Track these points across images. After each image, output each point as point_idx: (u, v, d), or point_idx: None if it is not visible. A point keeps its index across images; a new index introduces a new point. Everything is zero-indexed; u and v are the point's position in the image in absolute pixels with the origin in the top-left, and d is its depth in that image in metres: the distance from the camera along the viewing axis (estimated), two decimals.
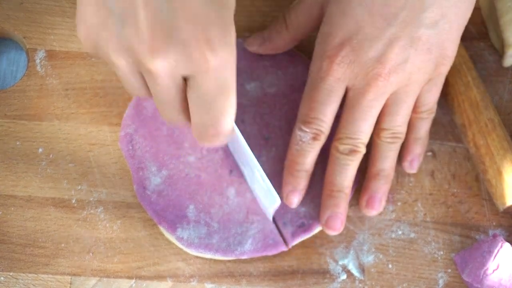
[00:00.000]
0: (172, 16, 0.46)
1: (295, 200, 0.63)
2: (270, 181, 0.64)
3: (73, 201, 0.65)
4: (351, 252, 0.64)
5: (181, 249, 0.64)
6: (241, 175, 0.65)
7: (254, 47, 0.67)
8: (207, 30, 0.46)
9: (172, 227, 0.63)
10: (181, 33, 0.46)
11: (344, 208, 0.62)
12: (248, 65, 0.67)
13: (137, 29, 0.46)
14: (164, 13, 0.46)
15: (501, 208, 0.64)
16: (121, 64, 0.49)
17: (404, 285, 0.64)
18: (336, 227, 0.62)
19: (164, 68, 0.47)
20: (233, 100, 0.51)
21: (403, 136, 0.62)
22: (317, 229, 0.64)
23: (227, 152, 0.65)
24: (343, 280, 0.64)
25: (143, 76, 0.50)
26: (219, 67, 0.48)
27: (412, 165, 0.65)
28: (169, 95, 0.50)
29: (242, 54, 0.67)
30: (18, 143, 0.66)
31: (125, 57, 0.48)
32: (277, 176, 0.65)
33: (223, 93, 0.49)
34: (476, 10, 0.70)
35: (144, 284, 0.63)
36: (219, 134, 0.52)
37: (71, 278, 0.63)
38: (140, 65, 0.48)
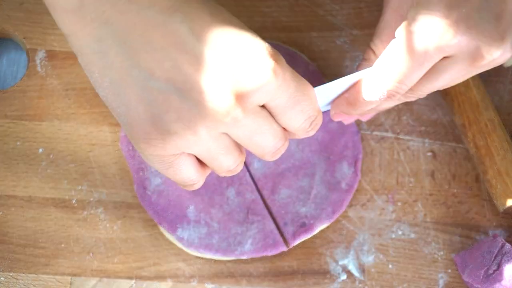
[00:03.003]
0: (226, 59, 0.47)
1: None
2: (270, 180, 0.65)
3: (74, 201, 0.65)
4: (351, 252, 0.64)
5: (181, 249, 0.64)
6: (241, 175, 0.65)
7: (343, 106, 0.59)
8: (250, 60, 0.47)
9: (172, 227, 0.63)
10: (259, 71, 0.47)
11: None
12: None
13: (204, 92, 0.47)
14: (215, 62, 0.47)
15: (501, 209, 0.64)
16: (207, 136, 0.48)
17: (404, 285, 0.64)
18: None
19: (250, 107, 0.48)
20: (307, 83, 0.51)
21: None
22: (317, 229, 0.64)
23: None
24: (343, 280, 0.64)
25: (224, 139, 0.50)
26: (284, 78, 0.48)
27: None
28: (267, 124, 0.50)
29: None
30: (18, 143, 0.66)
31: (209, 127, 0.48)
32: (277, 176, 0.65)
33: (299, 89, 0.50)
34: None
35: (144, 285, 0.63)
36: (320, 113, 0.53)
37: (71, 279, 0.63)
38: (227, 123, 0.48)
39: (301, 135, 0.53)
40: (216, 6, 0.49)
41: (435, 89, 0.54)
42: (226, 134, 0.49)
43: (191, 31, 0.46)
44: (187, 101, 0.46)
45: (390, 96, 0.53)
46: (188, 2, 0.48)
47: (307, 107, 0.51)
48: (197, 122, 0.47)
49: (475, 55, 0.51)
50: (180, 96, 0.47)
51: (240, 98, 0.47)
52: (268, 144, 0.51)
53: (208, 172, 0.52)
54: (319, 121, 0.53)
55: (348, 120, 0.60)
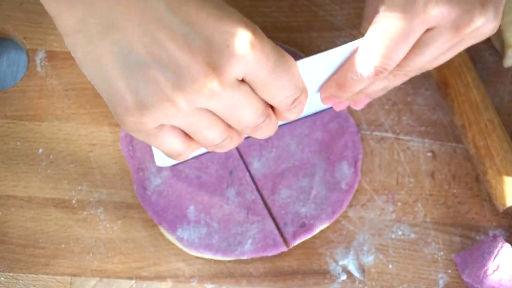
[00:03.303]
0: (200, 34, 0.48)
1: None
2: (270, 181, 0.65)
3: (74, 201, 0.65)
4: (351, 252, 0.64)
5: (181, 250, 0.64)
6: (241, 175, 0.65)
7: (332, 89, 0.58)
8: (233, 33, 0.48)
9: (172, 227, 0.63)
10: (218, 43, 0.48)
11: None
12: None
13: (181, 66, 0.47)
14: (192, 37, 0.48)
15: (501, 209, 0.64)
16: (187, 110, 0.49)
17: (404, 285, 0.64)
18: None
19: (227, 80, 0.48)
20: (290, 58, 0.51)
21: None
22: (317, 230, 0.64)
23: (227, 152, 0.65)
24: (343, 280, 0.64)
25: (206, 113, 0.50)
26: (263, 52, 0.49)
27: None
28: (246, 99, 0.50)
29: None
30: (18, 143, 0.66)
31: (187, 99, 0.48)
32: (277, 177, 0.65)
33: (280, 63, 0.50)
34: None
35: (144, 285, 0.63)
36: (304, 92, 0.53)
37: (71, 279, 0.63)
38: (205, 96, 0.48)
39: (284, 112, 0.53)
40: None
41: (423, 65, 0.54)
42: (206, 108, 0.50)
43: (168, 7, 0.47)
44: (165, 74, 0.48)
45: (377, 73, 0.53)
46: None
47: (288, 82, 0.51)
48: (175, 94, 0.48)
49: (457, 24, 0.52)
50: (159, 69, 0.48)
51: (217, 70, 0.47)
52: (248, 119, 0.51)
53: (195, 144, 0.53)
54: (303, 100, 0.53)
55: (339, 106, 0.59)
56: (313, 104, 0.61)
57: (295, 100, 0.52)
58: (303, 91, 0.52)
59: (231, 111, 0.50)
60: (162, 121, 0.50)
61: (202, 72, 0.47)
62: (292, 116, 0.53)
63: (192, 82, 0.48)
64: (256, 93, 0.51)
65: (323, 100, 0.59)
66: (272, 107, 0.53)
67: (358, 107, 0.61)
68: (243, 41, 0.48)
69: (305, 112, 0.63)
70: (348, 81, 0.55)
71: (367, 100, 0.60)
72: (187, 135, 0.52)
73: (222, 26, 0.48)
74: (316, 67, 0.55)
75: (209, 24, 0.48)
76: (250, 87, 0.50)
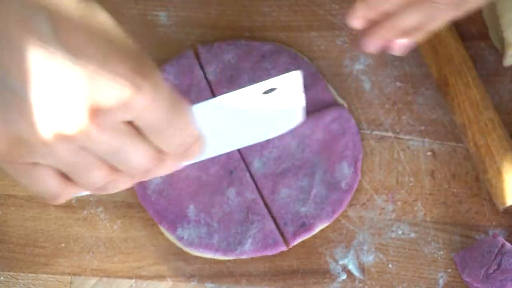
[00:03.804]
0: (83, 70, 0.43)
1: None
2: (270, 180, 0.65)
3: (73, 200, 0.65)
4: (351, 252, 0.64)
5: (181, 249, 0.64)
6: (241, 175, 0.65)
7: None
8: (122, 69, 0.43)
9: (172, 227, 0.63)
10: (100, 83, 0.43)
11: None
12: (249, 66, 0.67)
13: (64, 105, 0.43)
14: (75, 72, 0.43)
15: (501, 208, 0.64)
16: (63, 150, 0.44)
17: (404, 284, 0.64)
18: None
19: (106, 124, 0.44)
20: (186, 105, 0.48)
21: None
22: (317, 229, 0.64)
23: (228, 152, 0.65)
24: (343, 280, 0.64)
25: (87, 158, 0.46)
26: (153, 98, 0.44)
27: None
28: (131, 143, 0.46)
29: (244, 56, 0.67)
30: None
31: (62, 141, 0.44)
32: (278, 176, 0.65)
33: (172, 110, 0.46)
34: (477, 10, 0.70)
35: (144, 284, 0.63)
36: (200, 140, 0.50)
37: (71, 278, 0.63)
38: (80, 139, 0.44)
39: (176, 159, 0.49)
40: (92, 7, 0.45)
41: None
42: (87, 149, 0.45)
43: (55, 33, 0.43)
44: (42, 109, 0.43)
45: None
46: (58, 2, 0.44)
47: (181, 131, 0.47)
48: (50, 134, 0.43)
49: None
50: (36, 102, 0.43)
51: (95, 113, 0.43)
52: (135, 164, 0.47)
53: (74, 186, 0.48)
54: (197, 148, 0.49)
55: (372, 44, 0.55)
56: (236, 140, 0.58)
57: (188, 148, 0.48)
58: (197, 138, 0.49)
59: (114, 155, 0.46)
60: (37, 159, 0.45)
61: (80, 114, 0.43)
62: (186, 161, 0.50)
63: (68, 124, 0.43)
64: (145, 138, 0.46)
65: (363, 43, 0.55)
66: None
67: (395, 50, 0.56)
68: (131, 84, 0.43)
69: (224, 150, 0.60)
70: None
71: (405, 43, 0.55)
72: (65, 176, 0.47)
73: (111, 64, 0.43)
74: (221, 109, 0.52)
75: (96, 59, 0.43)
76: (140, 131, 0.46)
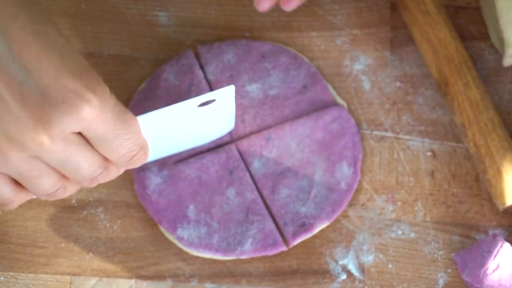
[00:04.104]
0: (36, 84, 0.46)
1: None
2: (270, 180, 0.65)
3: (73, 200, 0.65)
4: (351, 252, 0.64)
5: (181, 249, 0.64)
6: (241, 175, 0.65)
7: None
8: (72, 84, 0.47)
9: (172, 227, 0.63)
10: (53, 96, 0.46)
11: None
12: (249, 66, 0.67)
13: (12, 114, 0.46)
14: (28, 86, 0.46)
15: (501, 208, 0.64)
16: (16, 158, 0.48)
17: (404, 285, 0.64)
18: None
19: (58, 134, 0.47)
20: (132, 116, 0.51)
21: None
22: (317, 229, 0.64)
23: (228, 152, 0.65)
24: (343, 280, 0.64)
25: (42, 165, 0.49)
26: (101, 110, 0.48)
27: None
28: (81, 153, 0.49)
29: (244, 56, 0.67)
30: None
31: (15, 149, 0.47)
32: (277, 176, 0.65)
33: (119, 122, 0.50)
34: (476, 10, 0.70)
35: (144, 284, 0.63)
36: (144, 148, 0.53)
37: (71, 278, 0.63)
38: (33, 149, 0.47)
39: (122, 167, 0.53)
40: (47, 26, 0.48)
41: None
42: (39, 157, 0.48)
43: (9, 48, 0.46)
44: None
45: None
46: (12, 19, 0.47)
47: (127, 141, 0.51)
48: (3, 143, 0.46)
49: None
50: None
51: (48, 124, 0.46)
52: (83, 172, 0.50)
53: (26, 192, 0.52)
54: (142, 156, 0.53)
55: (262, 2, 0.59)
56: (176, 146, 0.63)
57: (133, 156, 0.52)
58: (142, 147, 0.52)
59: (64, 164, 0.49)
60: None
61: (32, 125, 0.46)
62: (131, 167, 0.54)
63: (21, 134, 0.46)
64: (93, 147, 0.50)
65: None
66: None
67: (286, 6, 0.60)
68: (81, 98, 0.47)
69: (161, 155, 0.64)
70: None
71: (295, 2, 0.59)
72: (17, 183, 0.51)
73: (62, 79, 0.47)
74: (165, 119, 0.55)
75: (48, 74, 0.46)
76: (88, 141, 0.49)
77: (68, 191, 0.52)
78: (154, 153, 0.60)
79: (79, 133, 0.49)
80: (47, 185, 0.50)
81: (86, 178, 0.51)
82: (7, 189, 0.50)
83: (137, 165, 0.53)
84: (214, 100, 0.56)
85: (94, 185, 0.53)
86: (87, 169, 0.50)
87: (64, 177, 0.51)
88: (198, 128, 0.61)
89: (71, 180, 0.52)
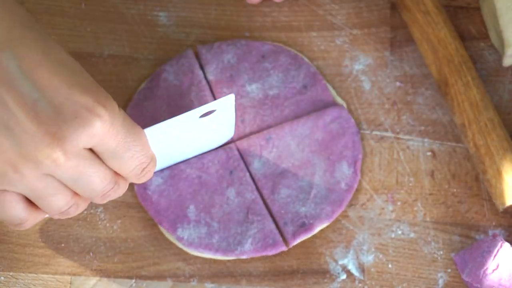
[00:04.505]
0: (49, 102, 0.47)
1: None
2: (270, 180, 0.65)
3: None
4: (351, 252, 0.64)
5: (181, 249, 0.64)
6: (241, 175, 0.65)
7: None
8: (83, 100, 0.48)
9: (173, 227, 0.63)
10: (66, 113, 0.47)
11: None
12: (249, 66, 0.67)
13: (27, 132, 0.47)
14: (41, 104, 0.47)
15: (500, 208, 0.64)
16: (31, 176, 0.48)
17: (404, 285, 0.64)
18: None
19: (72, 150, 0.48)
20: (140, 129, 0.52)
21: None
22: (317, 229, 0.64)
23: (228, 152, 0.65)
24: (343, 280, 0.64)
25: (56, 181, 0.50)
26: (112, 124, 0.49)
27: None
28: (93, 168, 0.50)
29: (244, 56, 0.67)
30: None
31: (30, 167, 0.48)
32: (277, 176, 0.65)
33: (130, 135, 0.51)
34: (476, 10, 0.70)
35: (144, 284, 0.63)
36: (153, 160, 0.54)
37: (71, 278, 0.63)
38: (48, 165, 0.48)
39: (133, 180, 0.54)
40: (53, 45, 0.49)
41: None
42: (52, 175, 0.49)
43: (20, 69, 0.47)
44: (9, 138, 0.47)
45: None
46: (21, 39, 0.48)
47: (138, 153, 0.52)
48: (18, 161, 0.47)
49: None
50: (5, 133, 0.47)
51: (62, 141, 0.47)
52: (95, 188, 0.51)
53: (39, 212, 0.52)
54: (152, 168, 0.54)
55: None
56: (179, 155, 0.63)
57: (144, 169, 0.53)
58: (152, 159, 0.53)
59: (77, 180, 0.50)
60: (5, 186, 0.49)
61: (46, 142, 0.47)
62: (141, 182, 0.54)
63: (36, 151, 0.47)
64: (104, 162, 0.51)
65: None
66: None
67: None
68: (93, 113, 0.48)
69: (164, 166, 0.64)
70: None
71: None
72: (30, 202, 0.51)
73: (74, 95, 0.48)
74: (169, 130, 0.56)
75: (60, 92, 0.47)
76: (99, 156, 0.50)
77: (80, 208, 0.53)
78: (158, 165, 0.61)
79: (90, 149, 0.50)
80: (61, 203, 0.51)
81: (98, 194, 0.52)
82: (21, 209, 0.51)
83: (147, 178, 0.54)
84: (215, 110, 0.57)
85: (105, 202, 0.54)
86: (99, 184, 0.51)
87: (76, 194, 0.52)
88: (199, 138, 0.61)
89: (83, 197, 0.52)
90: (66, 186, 0.51)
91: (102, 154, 0.50)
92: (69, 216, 0.53)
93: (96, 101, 0.48)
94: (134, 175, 0.53)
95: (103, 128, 0.48)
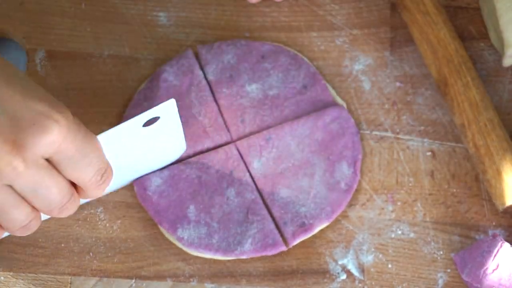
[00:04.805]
0: (4, 111, 0.48)
1: None
2: (270, 180, 0.65)
3: None
4: (351, 252, 0.64)
5: (181, 249, 0.64)
6: (241, 175, 0.65)
7: None
8: (37, 110, 0.49)
9: (173, 227, 0.63)
10: (23, 120, 0.48)
11: None
12: (249, 67, 0.67)
13: None
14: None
15: (500, 208, 0.64)
16: None
17: (403, 285, 0.64)
18: None
19: (31, 158, 0.48)
20: (94, 136, 0.53)
21: None
22: (317, 229, 0.64)
23: (228, 152, 0.65)
24: (342, 280, 0.64)
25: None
26: (69, 130, 0.49)
27: None
28: (51, 178, 0.50)
29: (244, 56, 0.67)
30: None
31: None
32: (277, 176, 0.65)
33: (86, 140, 0.51)
34: (476, 10, 0.70)
35: (144, 284, 0.63)
36: (110, 167, 0.54)
37: (71, 278, 0.63)
38: (8, 174, 0.48)
39: (93, 189, 0.53)
40: (5, 64, 0.50)
41: None
42: (11, 187, 0.49)
43: None
44: None
45: None
46: None
47: (95, 159, 0.52)
48: None
49: None
50: None
51: (22, 148, 0.47)
52: (53, 199, 0.51)
53: (1, 229, 0.52)
54: (110, 175, 0.54)
55: None
56: (131, 172, 0.63)
57: (103, 174, 0.53)
58: (108, 165, 0.54)
59: (36, 191, 0.50)
60: None
61: (5, 150, 0.47)
62: (98, 193, 0.54)
63: None
64: (61, 173, 0.51)
65: None
66: (75, 186, 0.53)
67: None
68: (50, 119, 0.48)
69: (119, 184, 0.63)
70: None
71: None
72: None
73: (28, 103, 0.48)
74: (123, 136, 0.56)
75: (15, 101, 0.48)
76: (56, 166, 0.50)
77: (38, 223, 0.53)
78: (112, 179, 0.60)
79: (47, 160, 0.50)
80: (21, 216, 0.51)
81: (56, 206, 0.52)
82: None
83: (105, 186, 0.54)
84: (159, 118, 0.56)
85: (62, 216, 0.54)
86: (57, 195, 0.51)
87: (34, 208, 0.52)
88: (150, 151, 0.61)
89: (41, 211, 0.52)
90: (23, 199, 0.51)
91: (60, 164, 0.50)
92: (29, 232, 0.53)
93: (52, 107, 0.49)
94: (94, 182, 0.53)
95: (61, 133, 0.49)
